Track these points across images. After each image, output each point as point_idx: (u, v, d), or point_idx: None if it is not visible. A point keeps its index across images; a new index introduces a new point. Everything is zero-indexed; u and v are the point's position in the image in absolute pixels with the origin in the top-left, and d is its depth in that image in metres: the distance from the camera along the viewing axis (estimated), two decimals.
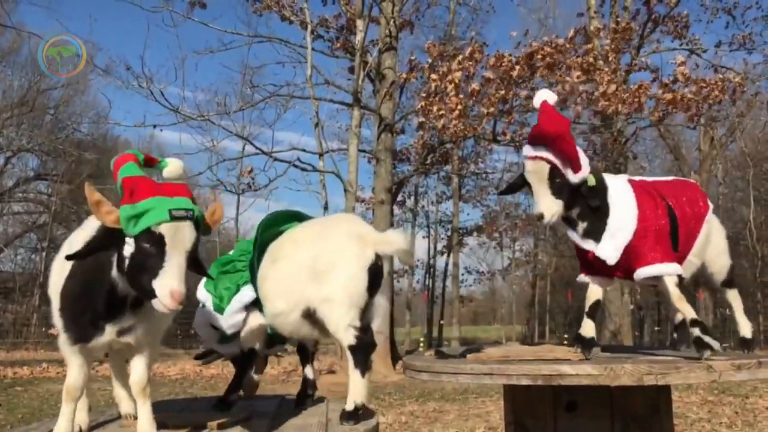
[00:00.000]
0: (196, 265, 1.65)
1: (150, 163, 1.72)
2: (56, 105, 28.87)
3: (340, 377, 10.75)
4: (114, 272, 1.57)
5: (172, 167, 1.74)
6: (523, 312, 31.29)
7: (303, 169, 13.81)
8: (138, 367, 1.73)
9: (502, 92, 10.59)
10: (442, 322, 24.56)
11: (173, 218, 1.45)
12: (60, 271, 1.74)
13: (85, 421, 2.02)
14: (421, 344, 19.58)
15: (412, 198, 24.41)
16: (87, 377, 1.75)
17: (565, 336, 22.65)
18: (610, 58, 10.90)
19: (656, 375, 2.01)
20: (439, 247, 25.14)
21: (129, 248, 1.49)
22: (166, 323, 1.87)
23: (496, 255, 28.61)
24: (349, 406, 1.98)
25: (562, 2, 34.08)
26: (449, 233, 23.91)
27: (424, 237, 25.59)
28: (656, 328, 21.98)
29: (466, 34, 17.48)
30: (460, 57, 10.94)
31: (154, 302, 1.45)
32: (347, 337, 1.97)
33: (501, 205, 25.39)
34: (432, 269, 25.41)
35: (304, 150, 16.97)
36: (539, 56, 10.48)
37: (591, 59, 10.53)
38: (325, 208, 15.47)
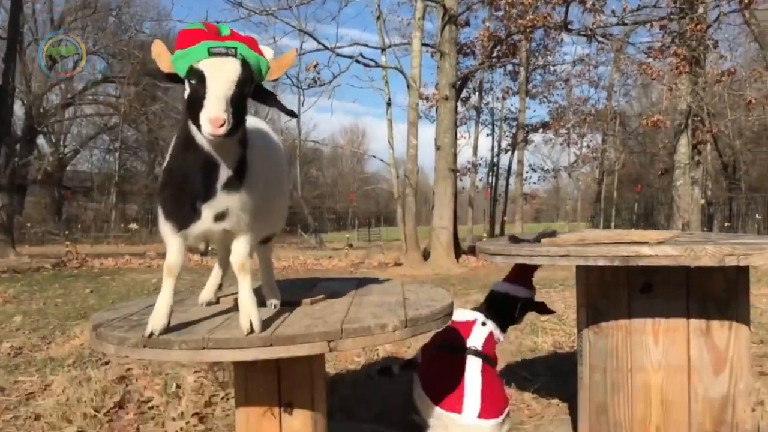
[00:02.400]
0: (263, 99, 1.70)
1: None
2: (118, 6, 29.09)
3: (406, 269, 11.08)
4: (189, 124, 1.61)
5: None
6: (588, 208, 30.85)
7: (365, 65, 13.65)
8: (237, 246, 1.76)
9: None
10: (505, 218, 24.54)
11: (211, 54, 1.52)
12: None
13: (206, 299, 2.13)
14: (484, 239, 19.68)
15: (477, 94, 23.84)
16: (184, 256, 1.81)
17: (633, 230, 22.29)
18: None
19: (738, 256, 1.98)
20: (504, 144, 24.74)
21: (186, 91, 1.57)
22: (269, 209, 1.87)
23: (561, 152, 28.03)
24: None
25: None
26: (514, 130, 23.41)
27: (488, 135, 25.18)
28: (726, 224, 21.32)
29: None
30: None
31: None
32: None
33: (569, 101, 24.55)
34: (495, 167, 25.15)
35: (366, 45, 16.72)
36: None
37: None
38: (389, 104, 15.34)
